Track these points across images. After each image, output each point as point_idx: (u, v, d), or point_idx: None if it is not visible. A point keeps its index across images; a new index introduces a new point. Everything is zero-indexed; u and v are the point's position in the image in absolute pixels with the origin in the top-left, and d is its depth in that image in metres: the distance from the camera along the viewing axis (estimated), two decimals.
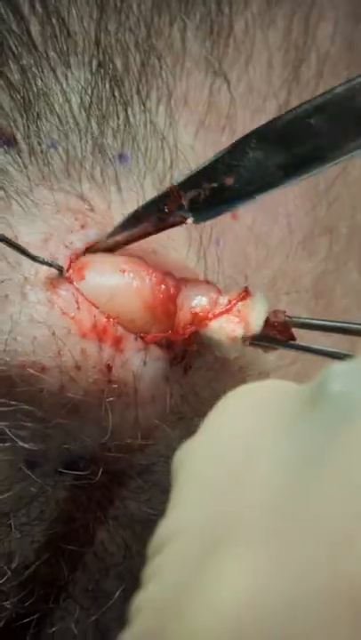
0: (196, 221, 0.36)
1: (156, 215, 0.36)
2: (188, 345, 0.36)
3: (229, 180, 0.35)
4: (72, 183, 0.37)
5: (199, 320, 0.36)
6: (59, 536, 0.37)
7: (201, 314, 0.36)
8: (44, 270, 0.35)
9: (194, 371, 0.37)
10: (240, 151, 0.35)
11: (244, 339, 0.36)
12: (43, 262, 0.35)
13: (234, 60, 0.40)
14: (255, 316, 0.36)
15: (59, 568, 0.37)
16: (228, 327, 0.36)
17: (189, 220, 0.36)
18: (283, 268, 0.41)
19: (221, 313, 0.36)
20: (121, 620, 0.39)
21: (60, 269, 0.35)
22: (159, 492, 0.38)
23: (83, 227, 0.36)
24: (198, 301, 0.36)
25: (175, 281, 0.37)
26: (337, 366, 0.24)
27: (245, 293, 0.37)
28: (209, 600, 0.21)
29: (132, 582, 0.39)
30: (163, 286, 0.36)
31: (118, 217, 0.37)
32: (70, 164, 0.37)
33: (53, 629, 0.39)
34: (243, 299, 0.36)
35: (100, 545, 0.38)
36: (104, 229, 0.37)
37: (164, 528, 0.25)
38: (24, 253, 0.35)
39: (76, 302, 0.35)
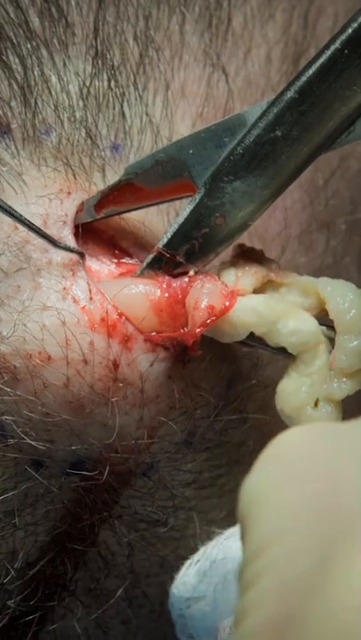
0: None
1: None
2: (193, 350, 0.36)
3: (220, 220, 0.35)
4: (60, 166, 0.36)
5: (218, 313, 0.35)
6: (63, 535, 0.37)
7: (217, 308, 0.35)
8: (60, 256, 0.35)
9: (194, 364, 0.37)
10: (217, 189, 0.35)
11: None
12: (65, 248, 0.35)
13: (232, 53, 0.40)
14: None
15: (63, 567, 0.37)
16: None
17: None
18: (279, 261, 0.40)
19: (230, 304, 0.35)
20: (121, 618, 0.40)
21: (82, 255, 0.35)
22: (162, 488, 0.38)
23: (69, 193, 0.36)
24: (210, 297, 0.35)
25: (180, 283, 0.36)
26: None
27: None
28: (342, 583, 0.21)
29: (133, 580, 0.38)
30: (171, 290, 0.36)
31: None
32: (61, 152, 0.37)
33: (54, 626, 0.38)
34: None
35: (103, 544, 0.38)
36: (88, 194, 0.36)
37: (260, 534, 0.25)
38: (49, 240, 0.34)
39: (90, 292, 0.35)
